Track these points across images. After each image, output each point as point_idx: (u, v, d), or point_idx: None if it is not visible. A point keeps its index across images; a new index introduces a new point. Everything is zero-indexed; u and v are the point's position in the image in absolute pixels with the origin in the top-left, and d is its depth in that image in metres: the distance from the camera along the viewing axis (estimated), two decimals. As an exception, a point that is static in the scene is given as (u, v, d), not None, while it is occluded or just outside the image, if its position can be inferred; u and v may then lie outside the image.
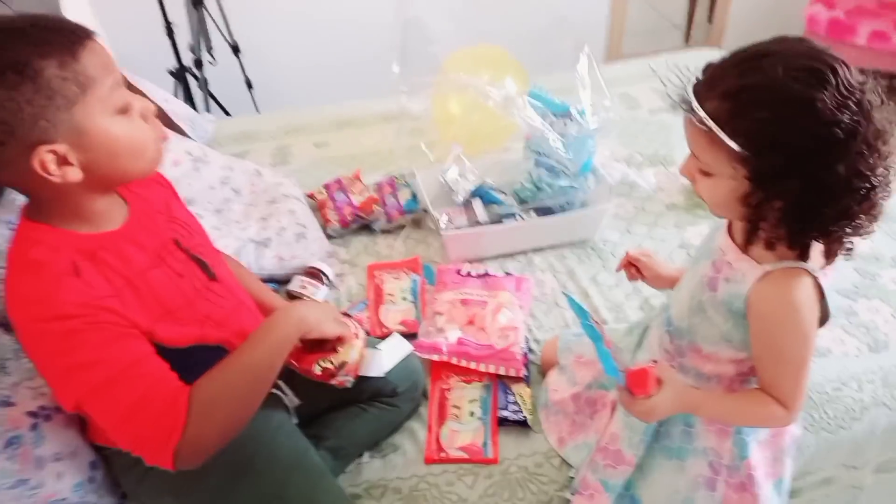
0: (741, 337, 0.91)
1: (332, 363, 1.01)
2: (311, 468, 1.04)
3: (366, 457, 1.19)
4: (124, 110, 0.81)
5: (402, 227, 1.70)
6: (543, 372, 1.30)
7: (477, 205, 1.64)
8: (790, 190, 0.75)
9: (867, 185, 0.75)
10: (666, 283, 1.16)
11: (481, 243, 1.57)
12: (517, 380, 1.28)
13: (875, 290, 1.45)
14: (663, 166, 1.89)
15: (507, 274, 1.50)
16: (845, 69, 0.73)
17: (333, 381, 1.04)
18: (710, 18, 3.59)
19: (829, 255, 0.84)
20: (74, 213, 0.84)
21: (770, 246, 0.83)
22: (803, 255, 0.83)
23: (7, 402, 0.93)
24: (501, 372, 1.27)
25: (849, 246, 0.83)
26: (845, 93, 0.72)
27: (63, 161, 0.77)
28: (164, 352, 0.85)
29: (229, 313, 0.99)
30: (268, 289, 1.24)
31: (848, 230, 0.79)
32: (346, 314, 1.10)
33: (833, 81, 0.72)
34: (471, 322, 1.37)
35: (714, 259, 0.93)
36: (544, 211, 1.62)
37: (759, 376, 0.92)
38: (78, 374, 0.79)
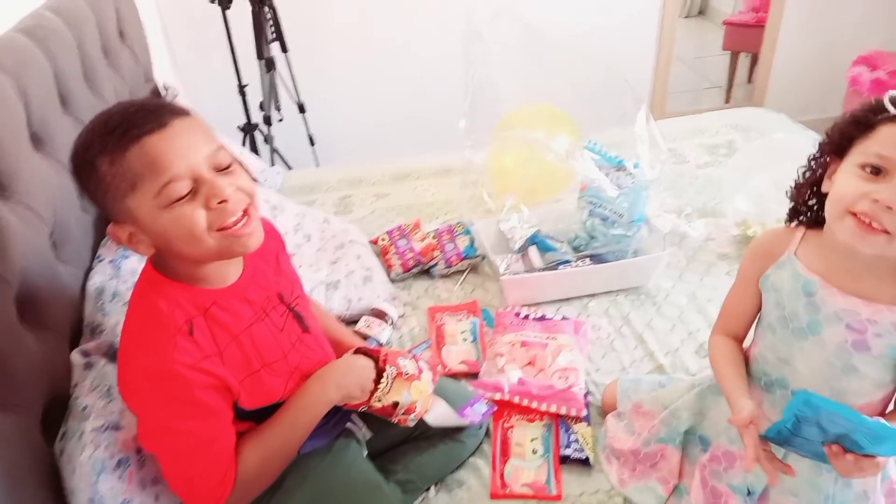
0: (893, 375, 0.96)
1: (379, 402, 1.06)
2: (386, 498, 1.10)
3: (432, 491, 1.23)
4: (176, 201, 0.83)
5: (460, 272, 1.78)
6: (604, 414, 1.34)
7: (533, 252, 1.71)
8: None
9: None
10: None
11: (539, 288, 1.64)
12: (578, 420, 1.32)
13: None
14: (713, 218, 1.95)
15: (565, 318, 1.56)
16: None
17: (394, 419, 1.10)
18: (750, 79, 3.69)
19: None
20: (187, 270, 0.93)
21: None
22: None
23: (117, 426, 1.00)
24: (563, 412, 1.32)
25: None
26: None
27: (135, 238, 0.88)
28: (249, 413, 0.97)
29: (315, 364, 1.07)
30: (347, 330, 1.32)
31: None
32: (412, 356, 1.16)
33: None
34: (531, 363, 1.42)
35: (847, 322, 0.94)
36: (598, 259, 1.68)
37: None
38: (164, 436, 0.90)
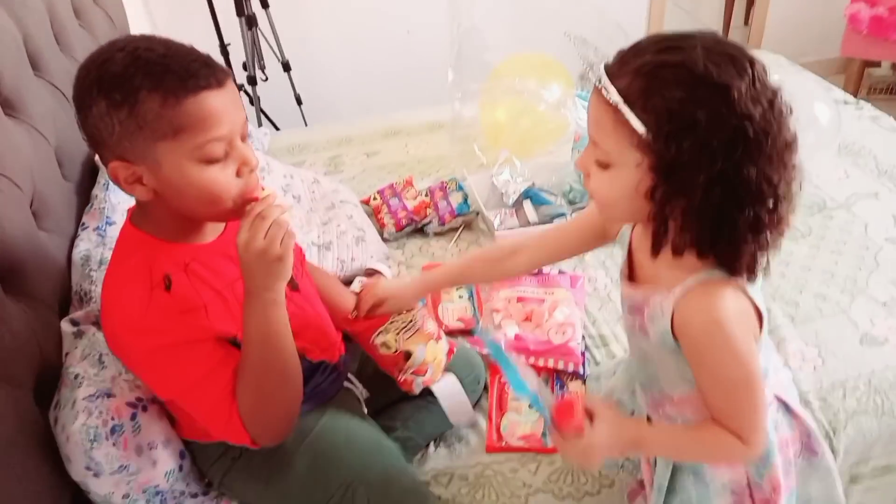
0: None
1: (395, 346, 1.02)
2: (389, 453, 1.09)
3: (431, 447, 1.23)
4: (212, 161, 0.83)
5: (454, 229, 1.76)
6: None
7: (527, 206, 1.68)
8: (696, 184, 0.68)
9: (775, 194, 0.71)
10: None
11: (534, 243, 1.61)
12: (573, 377, 1.32)
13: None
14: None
15: (561, 272, 1.54)
16: (762, 68, 0.70)
17: (400, 378, 1.08)
18: (746, 21, 3.60)
19: (748, 272, 0.74)
20: (172, 225, 0.91)
21: (677, 255, 0.75)
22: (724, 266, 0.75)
23: (109, 393, 0.99)
24: (560, 366, 1.31)
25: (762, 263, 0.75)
26: (760, 88, 0.68)
27: (136, 179, 0.84)
28: None
29: (306, 324, 1.04)
30: (350, 296, 1.27)
31: (757, 244, 0.73)
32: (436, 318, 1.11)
33: (750, 74, 0.68)
34: (527, 319, 1.41)
35: (629, 305, 0.87)
36: (594, 211, 1.66)
37: (709, 409, 0.82)
38: (161, 383, 0.92)
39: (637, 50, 0.72)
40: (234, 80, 0.86)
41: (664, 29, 3.59)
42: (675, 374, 0.85)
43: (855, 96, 2.31)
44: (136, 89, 0.78)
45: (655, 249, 0.76)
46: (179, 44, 0.84)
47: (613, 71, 0.72)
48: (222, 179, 0.84)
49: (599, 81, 0.72)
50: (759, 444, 0.81)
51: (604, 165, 0.75)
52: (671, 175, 0.70)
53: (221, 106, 0.81)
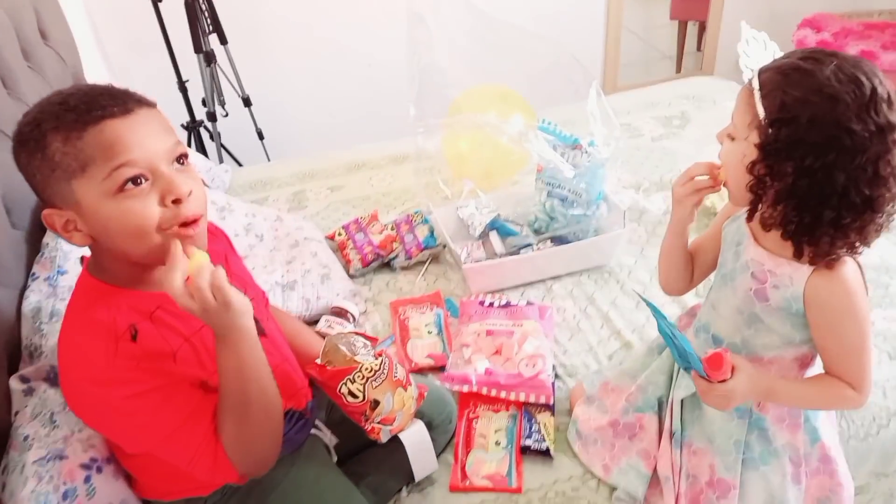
0: (802, 335, 0.97)
1: (362, 395, 1.00)
2: None
3: (404, 491, 1.20)
4: (125, 189, 0.79)
5: (421, 263, 1.74)
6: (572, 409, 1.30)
7: (493, 237, 1.68)
8: (785, 172, 0.83)
9: (864, 205, 0.82)
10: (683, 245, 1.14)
11: (502, 274, 1.61)
12: (542, 409, 1.30)
13: (889, 300, 1.48)
14: (670, 191, 1.94)
15: (529, 303, 1.54)
16: (886, 99, 0.80)
17: (367, 426, 1.05)
18: (699, 47, 3.71)
19: (815, 258, 0.89)
20: (129, 272, 0.87)
21: (766, 229, 0.90)
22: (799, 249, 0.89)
23: (61, 455, 0.94)
24: (532, 399, 1.30)
25: (836, 255, 0.87)
26: (873, 112, 0.79)
27: (71, 226, 0.83)
28: None
29: (272, 368, 1.01)
30: (313, 336, 1.26)
31: (837, 241, 0.85)
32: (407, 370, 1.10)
33: (866, 95, 0.79)
34: (497, 352, 1.40)
35: (752, 271, 0.98)
36: (559, 240, 1.66)
37: (826, 364, 0.97)
38: (137, 435, 0.88)
39: (790, 53, 0.87)
40: (152, 105, 0.84)
41: (620, 57, 3.65)
42: (779, 338, 0.99)
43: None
44: (43, 134, 0.79)
45: (750, 215, 0.92)
46: (97, 85, 0.84)
47: (766, 66, 0.87)
48: (139, 209, 0.80)
49: (752, 72, 0.88)
50: (868, 390, 0.95)
51: (731, 137, 0.92)
52: (767, 156, 0.84)
53: (128, 131, 0.79)
